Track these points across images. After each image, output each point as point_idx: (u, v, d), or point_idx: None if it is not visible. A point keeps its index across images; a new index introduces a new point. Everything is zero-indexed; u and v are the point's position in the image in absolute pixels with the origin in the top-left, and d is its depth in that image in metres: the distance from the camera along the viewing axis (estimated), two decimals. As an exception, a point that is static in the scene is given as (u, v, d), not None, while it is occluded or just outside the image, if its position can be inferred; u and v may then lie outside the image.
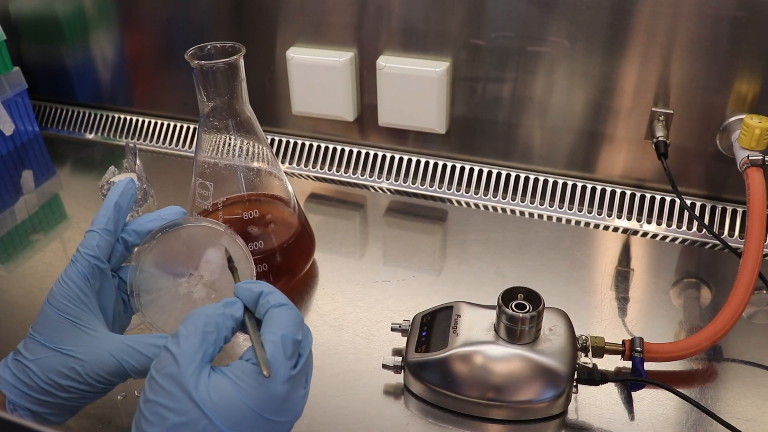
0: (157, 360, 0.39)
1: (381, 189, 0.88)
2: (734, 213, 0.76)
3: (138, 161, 0.75)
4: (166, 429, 0.37)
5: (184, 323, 0.40)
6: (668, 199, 0.78)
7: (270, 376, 0.38)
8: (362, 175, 0.89)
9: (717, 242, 0.75)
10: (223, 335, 0.41)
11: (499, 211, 0.83)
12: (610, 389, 0.57)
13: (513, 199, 0.83)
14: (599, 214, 0.80)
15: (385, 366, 0.57)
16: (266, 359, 0.38)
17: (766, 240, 0.60)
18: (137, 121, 1.02)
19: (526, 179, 0.83)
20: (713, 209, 0.77)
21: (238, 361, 0.39)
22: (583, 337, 0.57)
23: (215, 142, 0.64)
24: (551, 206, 0.82)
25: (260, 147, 0.66)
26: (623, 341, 0.57)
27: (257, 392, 0.38)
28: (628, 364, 0.58)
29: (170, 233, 0.51)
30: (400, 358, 0.57)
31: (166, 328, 0.50)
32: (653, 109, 0.75)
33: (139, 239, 0.50)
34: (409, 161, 0.88)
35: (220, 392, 0.37)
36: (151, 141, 1.00)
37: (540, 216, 0.81)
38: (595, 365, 0.56)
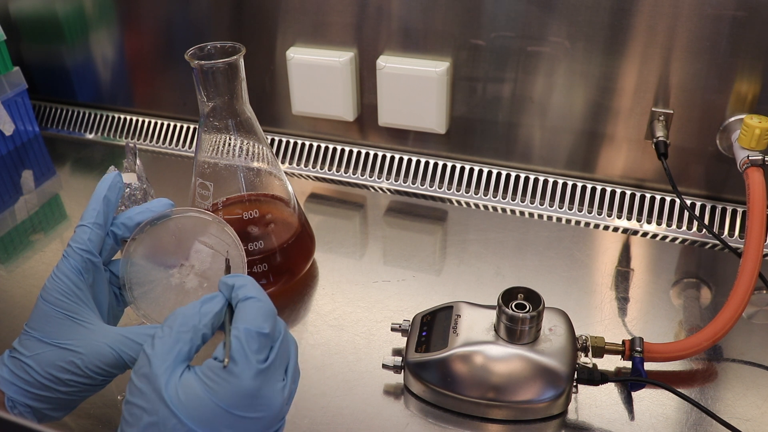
0: (136, 362, 0.40)
1: (381, 189, 0.88)
2: (734, 213, 0.76)
3: (138, 161, 0.75)
4: (140, 429, 0.37)
5: (163, 324, 0.41)
6: (668, 199, 0.78)
7: (228, 368, 0.38)
8: (362, 175, 0.89)
9: (717, 242, 0.75)
10: (201, 333, 0.40)
11: (499, 211, 0.83)
12: (610, 389, 0.57)
13: (513, 199, 0.83)
14: (599, 214, 0.80)
15: (385, 366, 0.57)
16: (230, 353, 0.38)
17: (766, 240, 0.60)
18: (137, 121, 1.02)
19: (526, 179, 0.83)
20: (713, 209, 0.77)
21: (208, 359, 0.39)
22: (583, 337, 0.57)
23: (215, 142, 0.64)
24: (551, 206, 0.82)
25: (260, 147, 0.66)
26: (623, 341, 0.57)
27: (223, 389, 0.37)
28: (628, 364, 0.58)
29: (159, 225, 0.51)
30: (400, 358, 0.57)
31: (161, 320, 0.50)
32: (653, 109, 0.75)
33: (129, 232, 0.50)
34: (409, 161, 0.88)
35: (188, 391, 0.37)
36: (151, 141, 1.00)
37: (540, 216, 0.81)
38: (595, 365, 0.56)
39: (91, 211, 0.48)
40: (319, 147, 0.92)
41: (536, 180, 0.83)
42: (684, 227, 0.77)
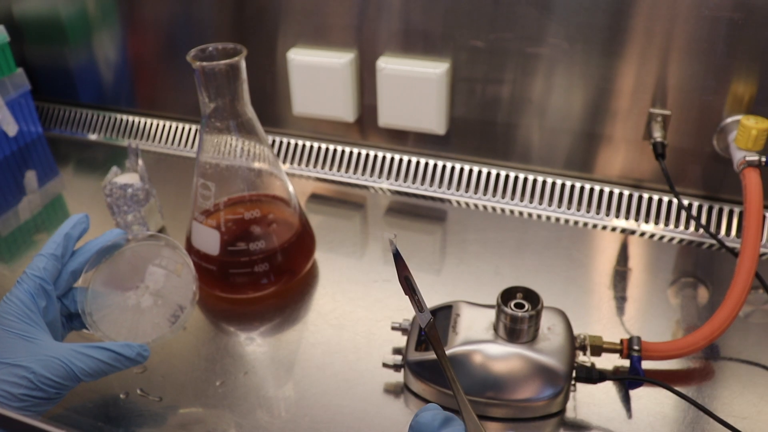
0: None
1: (381, 189, 0.88)
2: (731, 213, 0.76)
3: (140, 162, 0.75)
4: None
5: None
6: (666, 199, 0.79)
7: None
8: (362, 176, 0.90)
9: (714, 242, 0.75)
10: None
11: (499, 211, 0.83)
12: (608, 388, 0.57)
13: (512, 199, 0.84)
14: (597, 214, 0.80)
15: (385, 365, 0.58)
16: None
17: (762, 240, 0.61)
18: (140, 122, 1.02)
19: (525, 180, 0.84)
20: (710, 209, 0.77)
21: None
22: (582, 336, 0.57)
23: (217, 142, 0.64)
24: (550, 206, 0.82)
25: (261, 148, 0.66)
26: (621, 340, 0.57)
27: None
28: (626, 362, 0.59)
29: (116, 255, 0.56)
30: (400, 357, 0.57)
31: (119, 338, 0.54)
32: (651, 110, 0.75)
33: (86, 264, 0.54)
34: (409, 162, 0.88)
35: None
36: (153, 142, 1.01)
37: (539, 216, 0.82)
38: (593, 364, 0.57)
39: (51, 244, 0.52)
40: (319, 148, 0.92)
41: (535, 180, 0.83)
42: (681, 227, 0.78)
